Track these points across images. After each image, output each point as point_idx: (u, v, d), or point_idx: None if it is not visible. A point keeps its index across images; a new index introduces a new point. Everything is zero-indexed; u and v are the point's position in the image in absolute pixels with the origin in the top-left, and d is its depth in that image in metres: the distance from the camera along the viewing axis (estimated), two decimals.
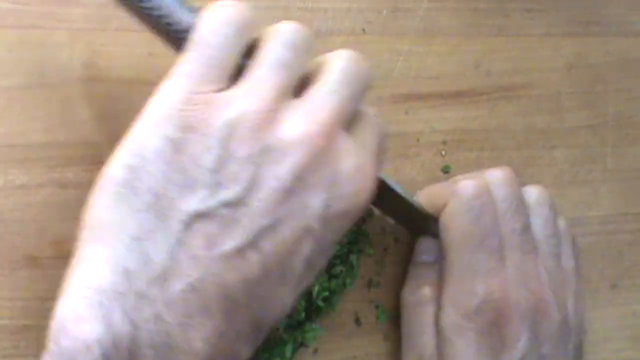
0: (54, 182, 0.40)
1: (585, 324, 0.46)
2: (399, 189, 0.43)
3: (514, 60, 0.50)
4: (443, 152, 0.48)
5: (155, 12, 0.34)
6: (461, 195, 0.42)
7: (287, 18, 0.45)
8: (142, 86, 0.42)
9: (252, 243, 0.32)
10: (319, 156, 0.33)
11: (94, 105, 0.41)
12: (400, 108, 0.48)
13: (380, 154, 0.37)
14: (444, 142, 0.48)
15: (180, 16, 0.34)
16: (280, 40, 0.34)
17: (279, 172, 0.32)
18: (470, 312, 0.42)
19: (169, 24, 0.34)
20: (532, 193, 0.45)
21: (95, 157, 0.41)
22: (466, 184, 0.43)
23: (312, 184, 0.33)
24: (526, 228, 0.44)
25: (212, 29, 0.33)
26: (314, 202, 0.33)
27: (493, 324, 0.42)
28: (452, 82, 0.49)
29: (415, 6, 0.48)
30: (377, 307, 0.46)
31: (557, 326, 0.43)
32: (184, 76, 0.33)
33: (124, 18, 0.42)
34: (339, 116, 0.34)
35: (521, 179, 0.50)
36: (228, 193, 0.31)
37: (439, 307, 0.43)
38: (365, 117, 0.37)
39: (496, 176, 0.44)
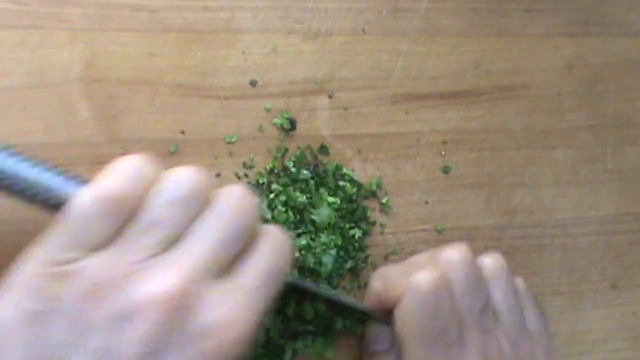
0: None
1: None
2: (341, 297, 0.43)
3: (514, 60, 0.50)
4: (443, 152, 0.48)
5: (29, 191, 0.33)
6: (416, 290, 0.41)
7: (287, 18, 0.45)
8: (142, 86, 0.42)
9: None
10: (174, 316, 0.31)
11: (94, 105, 0.41)
12: (400, 108, 0.48)
13: (274, 279, 0.35)
14: (444, 142, 0.48)
15: (56, 191, 0.33)
16: (158, 199, 0.33)
17: (131, 340, 0.31)
18: None
19: (45, 200, 0.33)
20: (488, 264, 0.44)
21: (95, 157, 0.41)
22: (421, 279, 0.41)
23: (171, 346, 0.31)
24: (485, 306, 0.42)
25: (84, 206, 0.32)
26: None
27: None
28: (452, 82, 0.49)
29: (415, 6, 0.48)
30: None
31: None
32: (46, 247, 0.32)
33: (124, 18, 0.42)
34: (207, 268, 0.33)
35: (521, 178, 0.50)
36: None
37: None
38: (255, 245, 0.35)
39: (452, 257, 0.42)
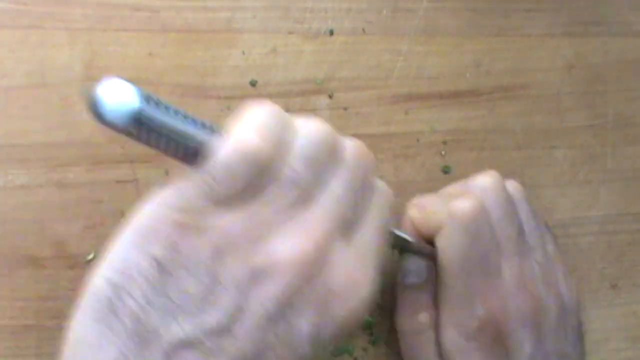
0: (54, 182, 0.40)
1: (579, 296, 0.46)
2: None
3: (514, 60, 0.50)
4: (443, 152, 0.48)
5: (174, 136, 0.31)
6: (458, 218, 0.41)
7: (287, 18, 0.45)
8: (142, 86, 0.42)
9: None
10: (308, 277, 0.31)
11: None
12: (400, 108, 0.48)
13: (386, 234, 0.35)
14: (444, 142, 0.48)
15: (194, 138, 0.31)
16: (294, 156, 0.32)
17: (264, 298, 0.30)
18: (472, 333, 0.41)
19: (185, 148, 0.31)
20: (511, 189, 0.44)
21: (95, 157, 0.41)
22: (462, 206, 0.41)
23: (301, 308, 0.31)
24: (521, 230, 0.43)
25: (226, 159, 0.31)
26: (303, 326, 0.31)
27: (496, 338, 0.41)
28: (452, 82, 0.49)
29: (415, 6, 0.48)
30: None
31: (555, 318, 0.43)
32: (181, 194, 0.31)
33: (124, 18, 0.42)
34: (337, 227, 0.32)
35: (521, 179, 0.50)
36: (211, 321, 0.30)
37: (438, 330, 0.42)
38: (370, 204, 0.35)
39: (486, 184, 0.42)
